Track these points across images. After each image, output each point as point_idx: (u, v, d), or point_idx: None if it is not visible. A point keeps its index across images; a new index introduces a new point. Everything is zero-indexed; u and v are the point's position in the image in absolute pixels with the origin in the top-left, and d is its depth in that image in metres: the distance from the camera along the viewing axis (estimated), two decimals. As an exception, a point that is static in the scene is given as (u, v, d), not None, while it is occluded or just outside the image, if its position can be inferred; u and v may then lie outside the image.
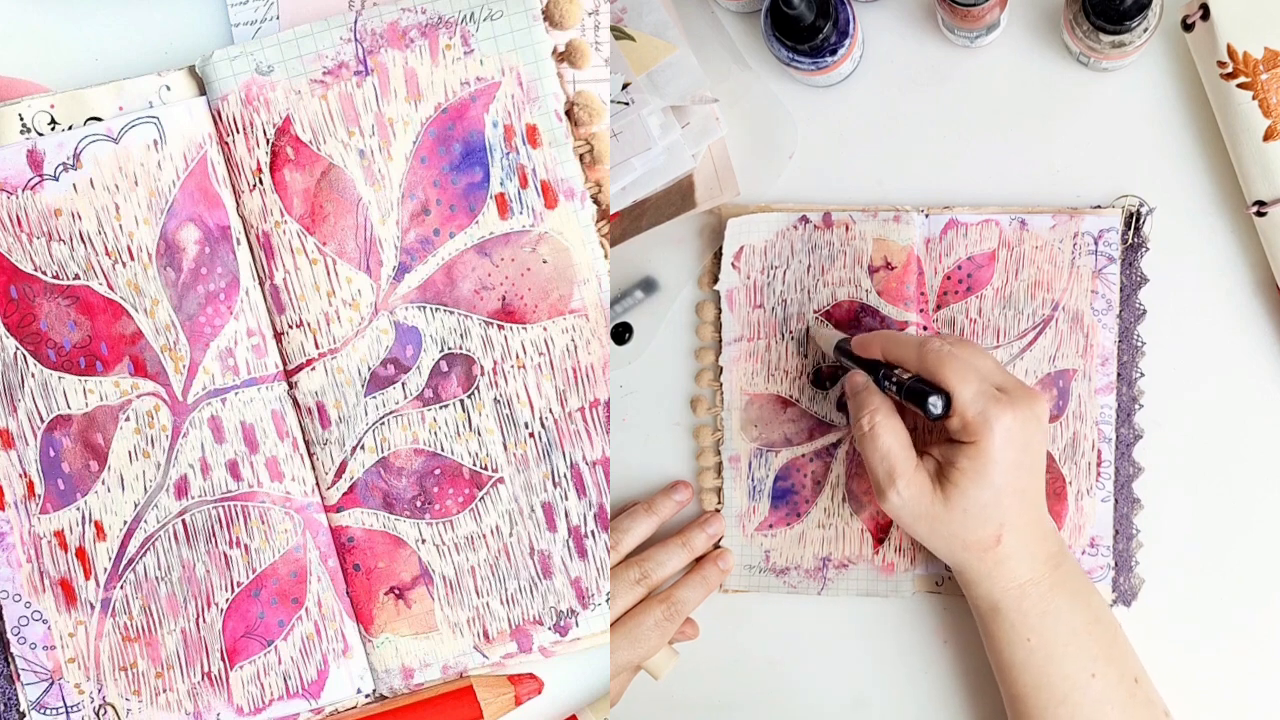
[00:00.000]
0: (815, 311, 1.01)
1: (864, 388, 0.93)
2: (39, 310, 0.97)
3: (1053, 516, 1.00)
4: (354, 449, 0.97)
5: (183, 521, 0.98)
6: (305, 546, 0.98)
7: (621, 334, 1.04)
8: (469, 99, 0.97)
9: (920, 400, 0.88)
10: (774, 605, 1.04)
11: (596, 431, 0.97)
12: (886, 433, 0.90)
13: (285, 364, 0.98)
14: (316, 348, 0.97)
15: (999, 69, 1.01)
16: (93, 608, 0.98)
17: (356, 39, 0.97)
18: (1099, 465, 0.99)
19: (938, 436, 0.93)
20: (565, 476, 0.97)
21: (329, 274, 0.97)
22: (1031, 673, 0.92)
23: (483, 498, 0.97)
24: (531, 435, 0.97)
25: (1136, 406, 1.00)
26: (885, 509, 0.91)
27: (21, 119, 0.97)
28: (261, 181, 0.97)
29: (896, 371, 0.91)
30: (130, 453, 0.97)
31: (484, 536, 0.98)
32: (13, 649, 0.98)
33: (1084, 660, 0.92)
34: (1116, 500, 1.00)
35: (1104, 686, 0.92)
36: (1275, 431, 1.00)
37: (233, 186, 0.97)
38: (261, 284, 0.97)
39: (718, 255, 1.03)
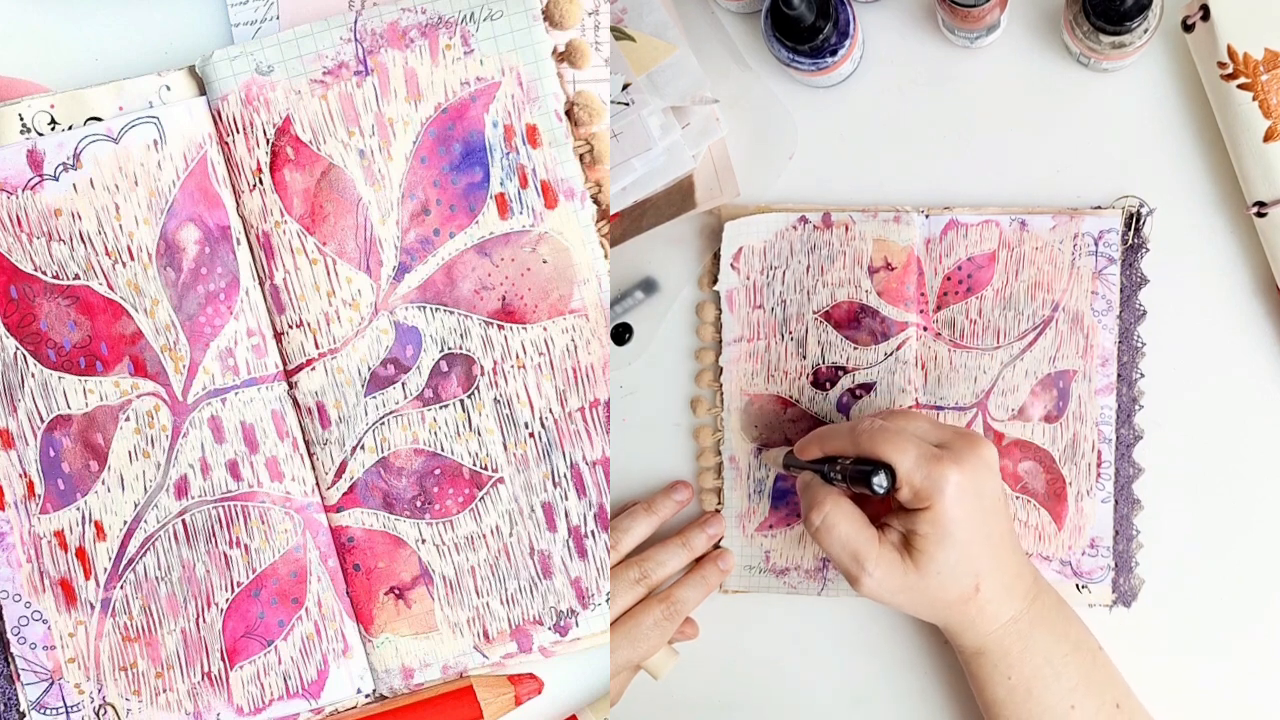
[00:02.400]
0: (815, 312, 1.01)
1: (809, 484, 0.93)
2: (39, 310, 0.97)
3: (1053, 517, 1.00)
4: (354, 449, 0.97)
5: (183, 521, 0.98)
6: (305, 546, 0.98)
7: (621, 334, 1.04)
8: (469, 99, 0.97)
9: (864, 481, 0.88)
10: (774, 605, 1.04)
11: (596, 431, 0.97)
12: (841, 521, 0.90)
13: (285, 364, 0.98)
14: (316, 348, 0.97)
15: (999, 70, 1.01)
16: (93, 608, 0.98)
17: (356, 39, 0.97)
18: (1099, 466, 0.99)
19: (894, 509, 0.92)
20: (565, 476, 0.97)
21: (329, 274, 0.97)
22: (1012, 709, 0.93)
23: (483, 498, 0.97)
24: (531, 435, 0.97)
25: (1136, 407, 1.00)
26: (861, 594, 0.91)
27: (21, 119, 0.97)
28: (261, 181, 0.97)
29: (840, 461, 0.91)
30: (130, 453, 0.97)
31: (484, 536, 0.98)
32: (13, 649, 0.98)
33: (1063, 693, 0.92)
34: (1116, 501, 1.00)
35: (1083, 718, 0.92)
36: (1275, 432, 1.00)
37: (233, 186, 0.97)
38: (261, 284, 0.97)
39: (717, 256, 1.03)
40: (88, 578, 0.98)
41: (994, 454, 0.90)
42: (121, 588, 0.98)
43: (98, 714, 0.98)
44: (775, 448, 1.01)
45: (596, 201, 0.98)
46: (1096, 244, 0.99)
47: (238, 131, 0.97)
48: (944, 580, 0.89)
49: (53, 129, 0.97)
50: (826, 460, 0.92)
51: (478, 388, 0.97)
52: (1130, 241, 0.99)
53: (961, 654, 0.94)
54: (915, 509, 0.89)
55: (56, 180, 0.97)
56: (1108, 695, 0.94)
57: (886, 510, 0.92)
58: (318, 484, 0.98)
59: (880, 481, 0.87)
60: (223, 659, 0.98)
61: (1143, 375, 1.00)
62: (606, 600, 0.98)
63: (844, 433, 0.91)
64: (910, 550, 0.90)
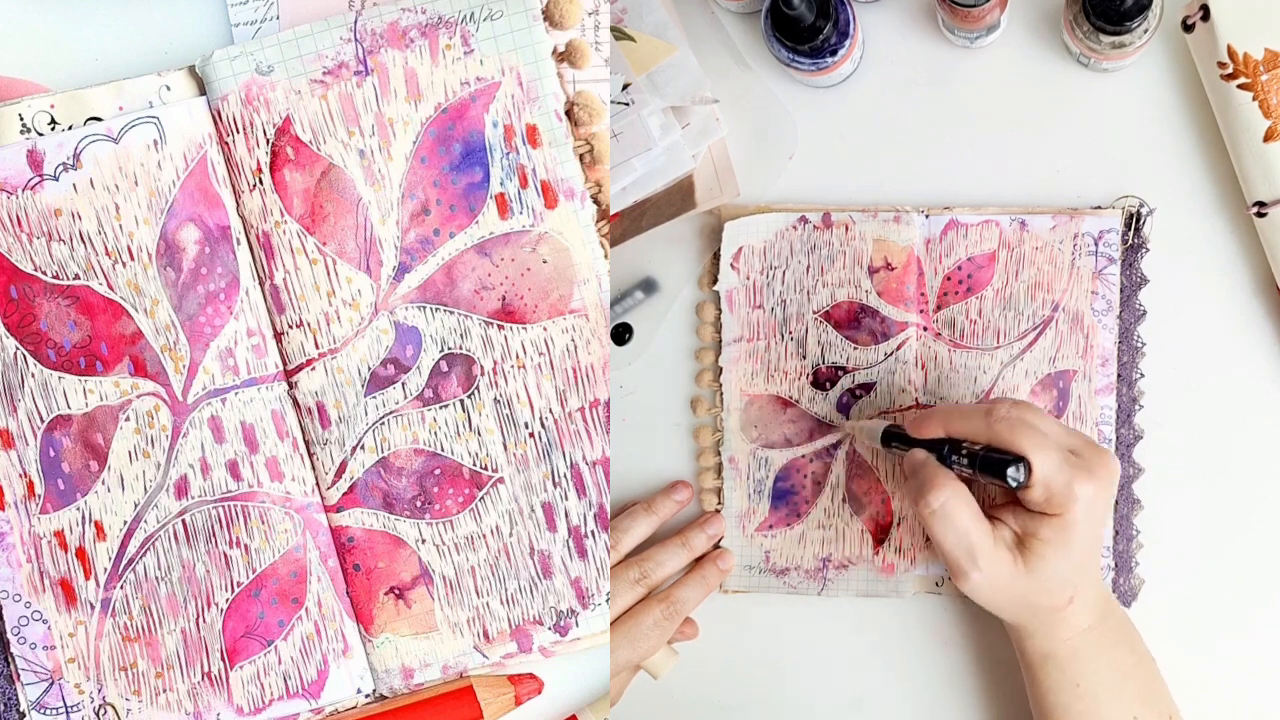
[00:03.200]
0: (815, 312, 1.01)
1: (924, 463, 0.89)
2: (39, 310, 0.97)
3: (1053, 517, 1.00)
4: (354, 449, 0.97)
5: (183, 521, 0.98)
6: (305, 546, 0.98)
7: (621, 334, 1.04)
8: (469, 99, 0.97)
9: (998, 471, 0.84)
10: (774, 605, 1.04)
11: (596, 431, 0.97)
12: (961, 510, 0.86)
13: (285, 364, 0.98)
14: (316, 348, 0.97)
15: (999, 70, 1.01)
16: (93, 608, 0.98)
17: (356, 39, 0.97)
18: (1099, 466, 0.99)
19: (1004, 502, 0.90)
20: (565, 476, 0.97)
21: (329, 274, 0.97)
22: (1075, 715, 0.92)
23: (483, 498, 0.97)
24: (531, 435, 0.97)
25: (1136, 407, 1.00)
26: (962, 587, 0.88)
27: (21, 119, 0.97)
28: (261, 181, 0.97)
29: (966, 445, 0.87)
30: (130, 453, 0.97)
31: (484, 536, 0.98)
32: (13, 649, 0.98)
33: (1126, 703, 0.92)
34: (1116, 501, 1.00)
35: None
36: (1275, 432, 1.00)
37: (233, 186, 0.97)
38: (261, 284, 0.97)
39: (717, 256, 1.03)
40: (88, 578, 0.98)
41: (1119, 469, 0.88)
42: (121, 588, 0.98)
43: (98, 714, 0.98)
44: (865, 420, 0.98)
45: (596, 201, 0.98)
46: (1096, 244, 0.99)
47: (238, 131, 0.97)
48: (1048, 587, 0.88)
49: (53, 129, 0.97)
50: (947, 441, 0.89)
51: (478, 388, 0.97)
52: (1130, 241, 0.99)
53: (1025, 656, 0.93)
54: (1040, 512, 0.87)
55: (56, 180, 0.97)
56: (1164, 709, 0.94)
57: (989, 504, 0.91)
58: (318, 484, 0.98)
59: (1016, 475, 0.84)
60: (223, 659, 0.98)
61: (1143, 375, 1.00)
62: (606, 600, 0.98)
63: (976, 415, 0.87)
64: (1023, 551, 0.88)
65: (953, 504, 0.87)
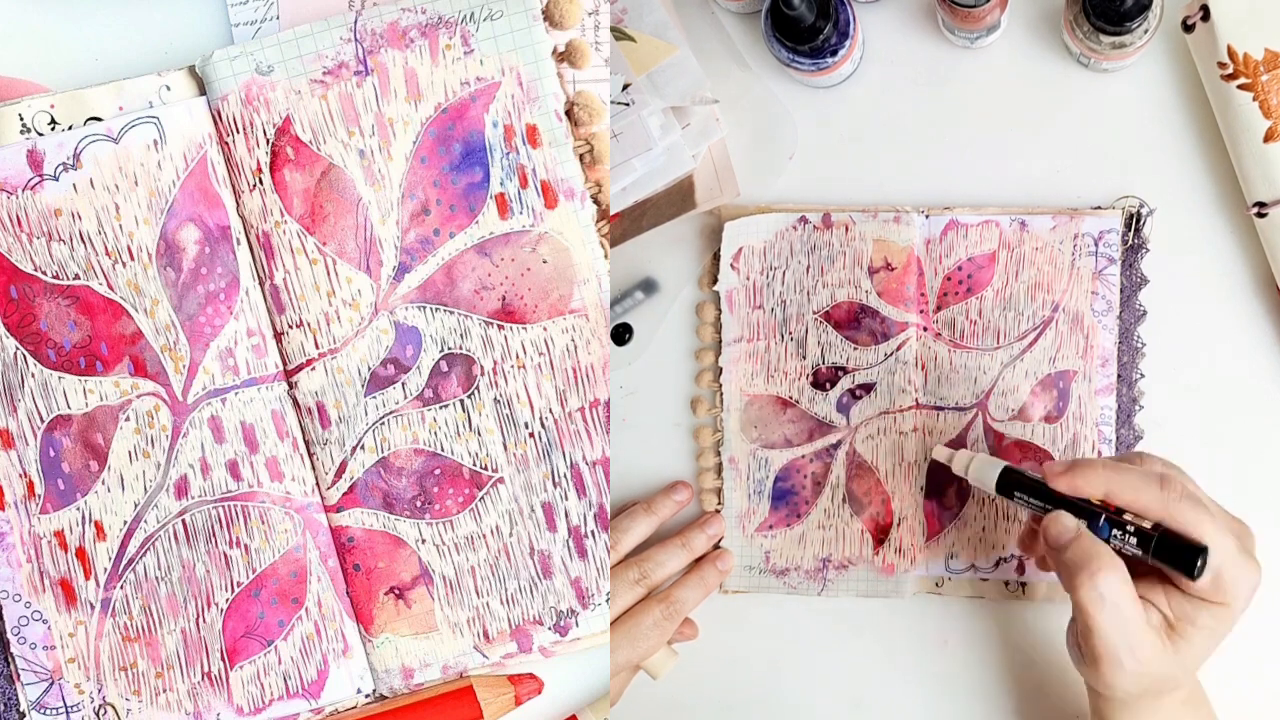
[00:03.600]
0: (815, 313, 1.01)
1: (1079, 537, 0.79)
2: (39, 310, 0.97)
3: (1053, 517, 0.99)
4: (354, 449, 0.97)
5: (183, 521, 0.98)
6: (305, 546, 0.98)
7: (621, 334, 1.04)
8: (469, 99, 0.97)
9: (1179, 560, 0.76)
10: (774, 606, 1.04)
11: (596, 431, 0.97)
12: (1126, 600, 0.77)
13: (285, 364, 0.98)
14: (316, 348, 0.97)
15: (999, 70, 1.01)
16: (93, 608, 0.98)
17: (356, 39, 0.96)
18: (1099, 466, 0.99)
19: (1149, 579, 0.81)
20: (565, 476, 0.97)
21: (329, 274, 0.97)
22: None
23: (483, 498, 0.97)
24: (531, 435, 0.97)
25: (1136, 407, 1.00)
26: (1102, 676, 0.79)
27: (21, 119, 0.97)
28: (261, 181, 0.97)
29: (1132, 519, 0.78)
30: (130, 453, 0.97)
31: (484, 536, 0.98)
32: (13, 649, 0.98)
33: None
34: (1116, 501, 1.00)
35: None
36: (1275, 432, 1.00)
37: (233, 186, 0.97)
38: (261, 284, 0.97)
39: (717, 256, 1.03)
40: (88, 578, 0.98)
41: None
42: (121, 588, 0.98)
43: (98, 714, 0.98)
44: (972, 453, 0.91)
45: (596, 201, 0.98)
46: (1096, 244, 0.99)
47: (238, 131, 0.97)
48: (1184, 671, 0.81)
49: (53, 129, 0.97)
50: (1103, 509, 0.80)
51: (478, 388, 0.97)
52: (1130, 242, 0.99)
53: (1098, 710, 0.86)
54: (1202, 598, 0.79)
55: (56, 180, 0.97)
56: None
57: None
58: (318, 484, 0.98)
59: (1202, 568, 0.76)
60: (223, 659, 0.98)
61: (1143, 375, 1.00)
62: (606, 600, 0.98)
63: (1149, 485, 0.78)
64: (1173, 635, 0.79)
65: (1119, 593, 0.77)
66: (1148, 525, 0.79)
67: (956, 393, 1.01)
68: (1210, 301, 1.00)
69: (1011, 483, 0.85)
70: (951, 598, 1.02)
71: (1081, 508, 0.80)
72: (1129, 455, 0.85)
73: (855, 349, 1.01)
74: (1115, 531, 0.79)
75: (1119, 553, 0.80)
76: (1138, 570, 0.81)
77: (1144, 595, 0.80)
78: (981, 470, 0.88)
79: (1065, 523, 0.81)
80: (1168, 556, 0.77)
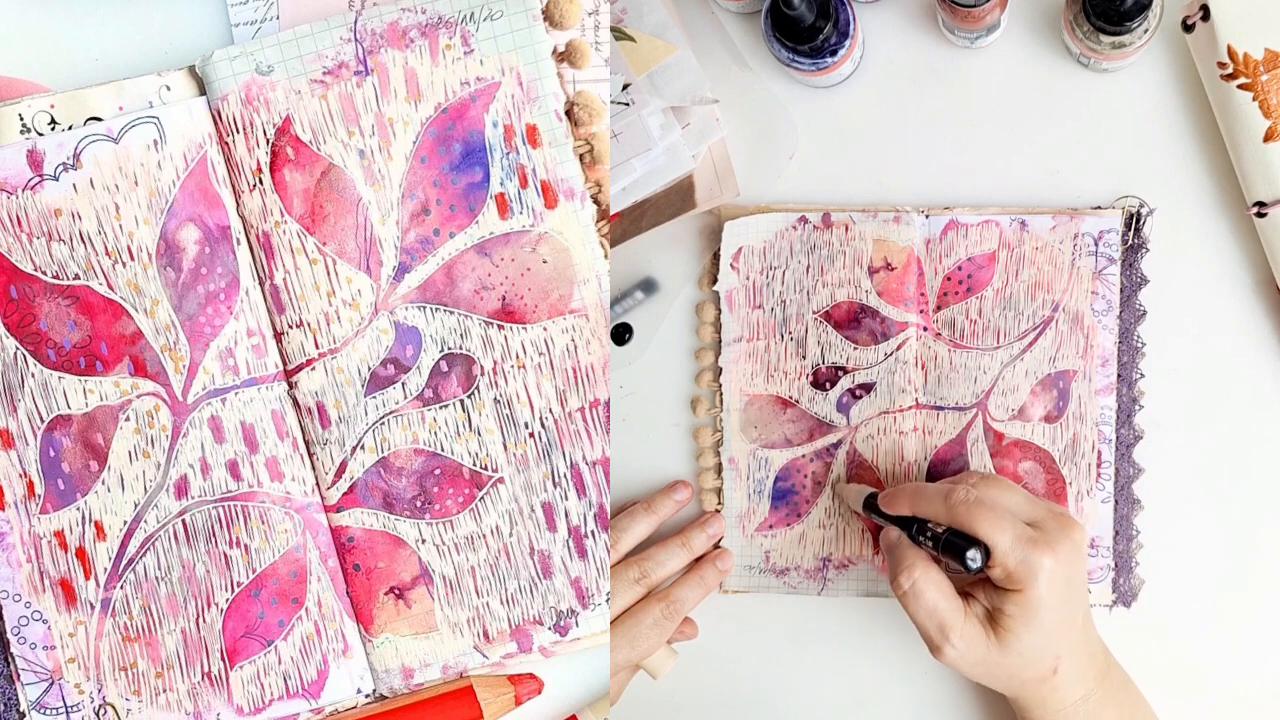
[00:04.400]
0: (815, 312, 1.01)
1: (897, 544, 0.92)
2: (39, 310, 0.97)
3: (1053, 517, 1.00)
4: (354, 449, 0.97)
5: (183, 521, 0.98)
6: (305, 546, 0.98)
7: (621, 334, 1.04)
8: (469, 99, 0.97)
9: (957, 555, 0.87)
10: (774, 605, 1.04)
11: (596, 431, 0.97)
12: (929, 588, 0.89)
13: (285, 364, 0.98)
14: (316, 348, 0.97)
15: (999, 70, 1.01)
16: (93, 608, 0.98)
17: (356, 39, 0.96)
18: (1099, 466, 0.99)
19: (976, 578, 0.91)
20: (565, 476, 0.97)
21: (329, 274, 0.97)
22: None
23: (483, 498, 0.97)
24: (531, 435, 0.97)
25: (1136, 407, 1.00)
26: (941, 661, 0.90)
27: (21, 119, 0.97)
28: (261, 181, 0.97)
29: (930, 526, 0.90)
30: (130, 453, 0.97)
31: (484, 536, 0.98)
32: (13, 649, 0.98)
33: None
34: (1116, 501, 1.00)
35: None
36: (1275, 432, 1.00)
37: (233, 186, 0.97)
38: (261, 284, 0.97)
39: (717, 256, 1.03)
40: (88, 578, 0.98)
41: (1085, 536, 0.90)
42: (121, 588, 0.98)
43: (98, 714, 0.98)
44: (852, 485, 1.00)
45: (596, 201, 0.97)
46: (1096, 244, 0.99)
47: (238, 131, 0.97)
48: (1025, 660, 0.89)
49: (53, 129, 0.97)
50: (915, 520, 0.91)
51: (478, 388, 0.97)
52: (1130, 242, 0.99)
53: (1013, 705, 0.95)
54: (1005, 589, 0.88)
55: (56, 180, 0.97)
56: None
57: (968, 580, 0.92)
58: (318, 484, 0.98)
59: (974, 558, 0.86)
60: (223, 659, 0.98)
61: (1143, 375, 1.00)
62: (606, 600, 0.98)
63: (937, 497, 0.90)
64: (995, 627, 0.89)
65: (922, 583, 0.89)
66: (941, 531, 0.89)
67: (956, 393, 1.01)
68: (1210, 301, 1.00)
69: (872, 505, 0.96)
70: (951, 598, 1.02)
71: (910, 522, 0.92)
72: (951, 479, 0.95)
73: (855, 349, 1.01)
74: (921, 537, 0.90)
75: (936, 559, 0.91)
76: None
77: (970, 592, 0.91)
78: (854, 497, 0.99)
79: (890, 534, 0.93)
80: (951, 555, 0.88)
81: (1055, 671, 0.90)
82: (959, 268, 1.00)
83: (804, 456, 1.02)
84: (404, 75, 0.96)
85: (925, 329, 1.01)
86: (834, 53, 0.96)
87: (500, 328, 0.97)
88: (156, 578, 0.98)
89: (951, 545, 0.88)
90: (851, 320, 1.01)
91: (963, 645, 0.89)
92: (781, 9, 0.93)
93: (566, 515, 0.97)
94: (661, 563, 1.01)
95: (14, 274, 0.97)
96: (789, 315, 1.02)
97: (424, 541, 0.98)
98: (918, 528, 0.91)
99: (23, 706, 0.98)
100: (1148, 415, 1.00)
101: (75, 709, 0.98)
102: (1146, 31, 0.93)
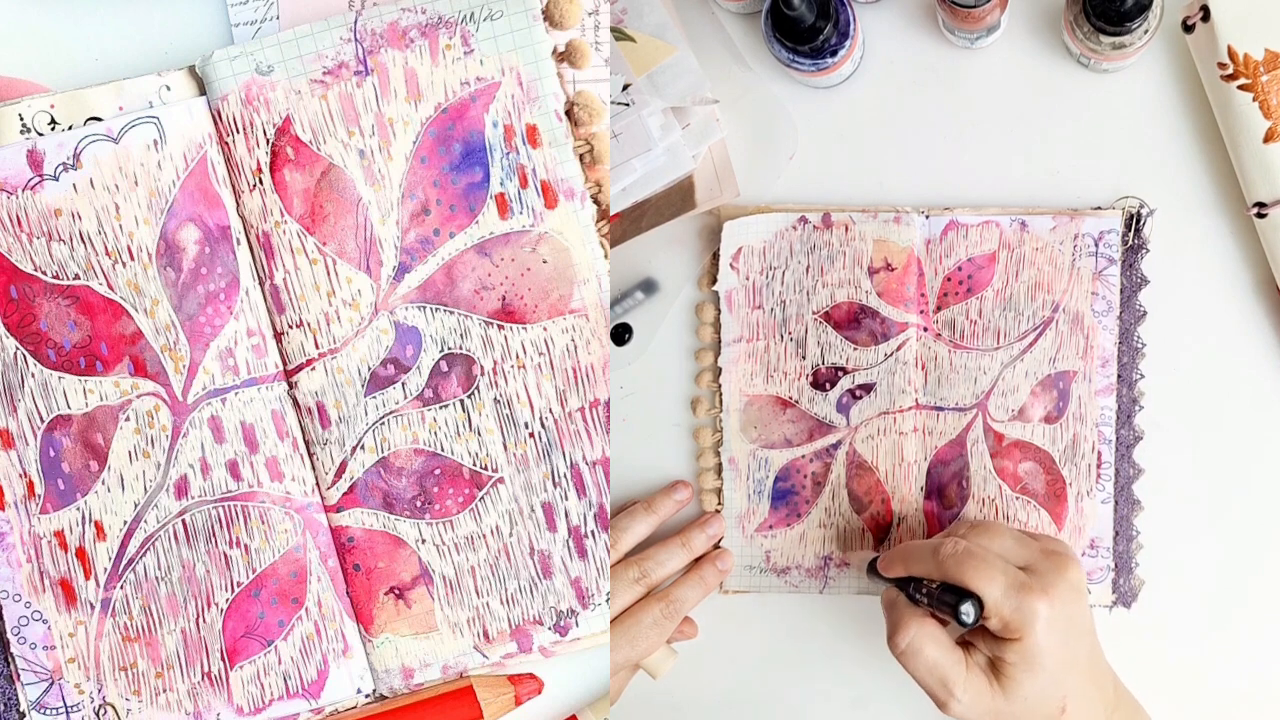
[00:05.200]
0: (814, 313, 1.01)
1: (893, 603, 0.91)
2: (39, 310, 0.97)
3: (1053, 518, 1.00)
4: (354, 449, 0.97)
5: (183, 521, 0.98)
6: (305, 546, 0.98)
7: (621, 335, 1.04)
8: (469, 99, 0.97)
9: (951, 609, 0.86)
10: (774, 605, 1.04)
11: (596, 431, 0.97)
12: (927, 644, 0.88)
13: (285, 364, 0.98)
14: (316, 348, 0.97)
15: (999, 70, 1.01)
16: (93, 608, 0.98)
17: (356, 39, 0.96)
18: (1099, 467, 0.99)
19: (976, 628, 0.90)
20: (565, 476, 0.97)
21: (329, 274, 0.97)
22: None
23: (483, 498, 0.97)
24: (531, 435, 0.97)
25: (1136, 408, 1.00)
26: (949, 715, 0.89)
27: (21, 119, 0.97)
28: (261, 181, 0.97)
29: (925, 582, 0.89)
30: (130, 453, 0.97)
31: (484, 536, 0.98)
32: (13, 649, 0.98)
33: None
34: (1116, 502, 1.00)
35: None
36: (1275, 432, 1.00)
37: (233, 186, 0.97)
38: (261, 284, 0.97)
39: (717, 256, 1.03)
40: (88, 578, 0.98)
41: (1082, 575, 0.89)
42: (121, 588, 0.98)
43: (98, 714, 0.98)
44: (856, 551, 1.01)
45: (596, 201, 0.97)
46: (1097, 245, 0.99)
47: (238, 131, 0.97)
48: (1031, 705, 0.88)
49: (53, 129, 0.97)
50: (911, 580, 0.91)
51: (478, 388, 0.97)
52: (1130, 242, 0.99)
53: None
54: (1003, 638, 0.88)
55: (56, 180, 0.97)
56: None
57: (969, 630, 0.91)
58: (318, 484, 0.98)
59: (967, 612, 0.85)
60: (223, 659, 0.98)
61: (1143, 376, 1.00)
62: (606, 600, 0.98)
63: (926, 554, 0.90)
64: (998, 675, 0.88)
65: (919, 641, 0.88)
66: (934, 586, 0.89)
67: (956, 393, 1.01)
68: (1210, 301, 1.00)
69: (872, 570, 0.96)
70: (951, 598, 1.02)
71: (908, 582, 0.91)
72: (948, 529, 0.95)
73: (855, 349, 1.01)
74: (917, 595, 0.90)
75: (936, 616, 0.90)
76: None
77: (971, 641, 0.90)
78: (861, 561, 1.01)
79: (887, 595, 0.93)
80: (944, 609, 0.87)
81: (1064, 711, 0.89)
82: (959, 268, 1.00)
83: (804, 457, 1.02)
84: (404, 75, 0.96)
85: (925, 329, 1.01)
86: (834, 53, 0.96)
87: (500, 328, 0.97)
88: (156, 578, 0.98)
89: (943, 601, 0.87)
90: (851, 321, 1.01)
91: (968, 698, 0.88)
92: (781, 9, 0.93)
93: (566, 515, 0.98)
94: (661, 562, 1.01)
95: (14, 274, 0.97)
96: (789, 315, 1.02)
97: (424, 541, 0.98)
98: (914, 586, 0.90)
99: (23, 706, 0.98)
100: (1148, 416, 1.00)
101: (75, 709, 0.98)
102: (1146, 32, 0.93)
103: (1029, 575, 0.87)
